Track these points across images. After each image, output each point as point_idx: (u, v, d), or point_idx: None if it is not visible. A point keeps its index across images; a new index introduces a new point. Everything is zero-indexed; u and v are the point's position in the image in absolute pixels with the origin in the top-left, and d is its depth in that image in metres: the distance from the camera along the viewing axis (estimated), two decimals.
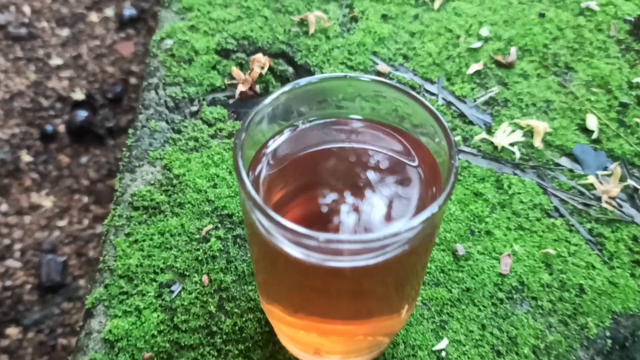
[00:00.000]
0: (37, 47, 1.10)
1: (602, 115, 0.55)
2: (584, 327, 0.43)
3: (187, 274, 0.44)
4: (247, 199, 0.30)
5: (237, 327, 0.42)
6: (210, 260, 0.45)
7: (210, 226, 0.46)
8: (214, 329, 0.42)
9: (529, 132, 0.53)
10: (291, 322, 0.37)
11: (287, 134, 0.36)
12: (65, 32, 1.12)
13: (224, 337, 0.41)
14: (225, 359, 0.40)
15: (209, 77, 0.57)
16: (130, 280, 0.44)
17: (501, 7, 0.63)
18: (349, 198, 0.35)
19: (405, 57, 0.59)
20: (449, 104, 0.55)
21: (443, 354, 0.41)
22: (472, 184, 0.49)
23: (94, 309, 0.43)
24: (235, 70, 0.57)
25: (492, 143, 0.52)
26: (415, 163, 0.35)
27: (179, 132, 0.53)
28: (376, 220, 0.33)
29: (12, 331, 0.89)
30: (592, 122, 0.54)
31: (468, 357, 0.41)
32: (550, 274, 0.45)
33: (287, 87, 0.34)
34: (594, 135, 0.53)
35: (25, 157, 1.02)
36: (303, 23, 0.61)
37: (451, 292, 0.44)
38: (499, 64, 0.58)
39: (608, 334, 0.43)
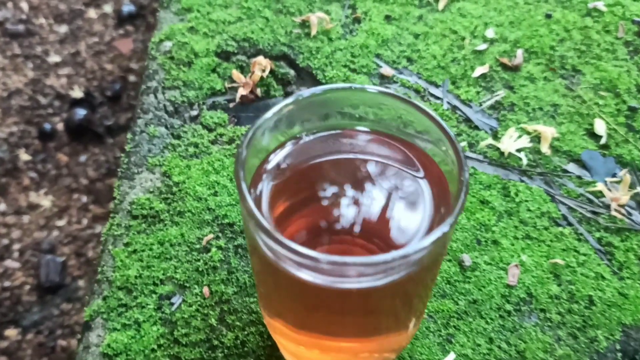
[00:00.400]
0: (35, 44, 1.09)
1: (610, 120, 0.54)
2: (593, 340, 0.42)
3: (188, 285, 0.43)
4: (250, 218, 0.29)
5: (239, 341, 0.41)
6: (211, 271, 0.44)
7: (211, 236, 0.45)
8: (215, 342, 0.41)
9: (536, 138, 0.52)
10: (294, 337, 0.36)
11: (289, 146, 0.35)
12: (63, 29, 1.11)
13: (226, 351, 0.40)
14: None
15: (208, 81, 0.55)
16: (129, 292, 0.43)
17: (507, 8, 0.62)
18: (354, 213, 0.34)
19: (409, 59, 0.57)
20: (454, 108, 0.54)
21: None
22: (479, 191, 0.48)
23: (92, 322, 0.42)
24: (236, 73, 0.55)
25: (498, 149, 0.51)
26: (422, 175, 0.34)
27: (178, 137, 0.52)
28: (384, 236, 0.32)
29: (11, 332, 0.89)
30: (600, 127, 0.53)
31: None
32: (559, 285, 0.44)
33: (290, 99, 0.33)
34: (602, 141, 0.52)
35: (24, 156, 1.01)
36: (305, 24, 0.60)
37: (458, 304, 0.43)
38: (504, 67, 0.57)
39: (618, 347, 0.42)
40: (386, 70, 0.56)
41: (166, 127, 0.52)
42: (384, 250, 0.34)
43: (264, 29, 0.59)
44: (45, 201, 0.99)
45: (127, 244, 0.45)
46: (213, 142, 0.51)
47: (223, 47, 0.58)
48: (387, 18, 0.60)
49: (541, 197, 0.48)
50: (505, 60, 0.57)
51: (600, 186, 0.49)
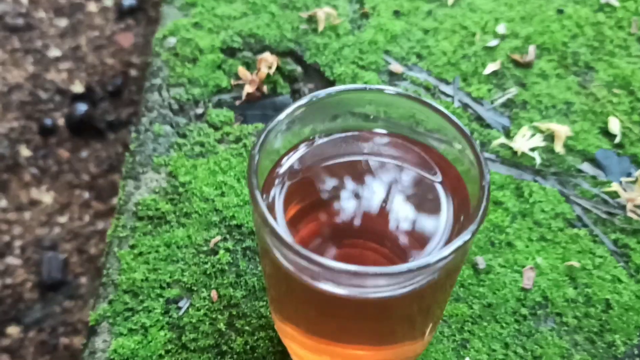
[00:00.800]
0: (35, 38, 1.08)
1: (624, 118, 0.53)
2: (611, 345, 0.41)
3: (195, 289, 0.42)
4: (264, 226, 0.27)
5: (248, 347, 0.40)
6: (219, 274, 0.43)
7: (219, 237, 0.44)
8: (224, 348, 0.40)
9: (549, 137, 0.51)
10: (306, 344, 0.35)
11: (303, 148, 0.34)
12: (63, 23, 1.09)
13: (235, 357, 0.39)
14: None
15: (214, 78, 0.54)
16: (136, 295, 0.42)
17: (517, 3, 0.61)
18: (368, 216, 0.33)
19: (419, 56, 0.56)
20: (465, 106, 0.53)
21: None
22: (492, 191, 0.47)
23: (98, 326, 0.41)
24: (242, 70, 0.54)
25: (510, 148, 0.50)
26: (439, 179, 0.33)
27: (184, 136, 0.50)
28: (398, 241, 0.31)
29: (13, 330, 0.88)
30: (614, 125, 0.52)
31: None
32: (575, 288, 0.43)
33: (303, 100, 0.32)
34: (617, 140, 0.51)
35: (25, 152, 1.00)
36: (312, 20, 0.58)
37: (472, 308, 0.42)
38: (516, 63, 0.56)
39: (636, 351, 0.41)
40: (395, 67, 0.55)
41: (171, 126, 0.51)
42: (398, 254, 0.33)
43: (270, 24, 0.58)
44: (47, 197, 0.98)
45: (132, 246, 0.44)
46: (219, 141, 0.50)
47: (228, 43, 0.57)
48: (396, 13, 0.59)
49: (555, 198, 0.47)
50: (516, 56, 0.56)
51: (615, 186, 0.48)
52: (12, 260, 0.93)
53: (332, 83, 0.54)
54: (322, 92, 0.32)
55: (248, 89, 0.54)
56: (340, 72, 0.55)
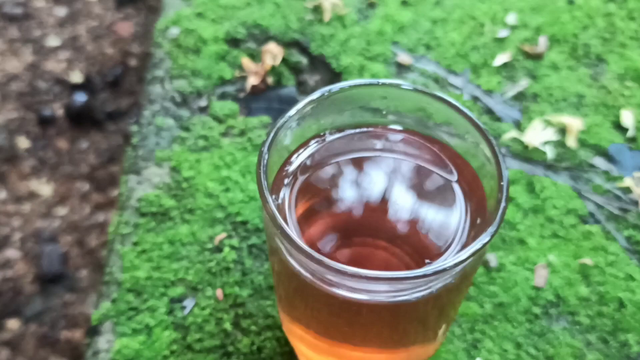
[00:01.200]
0: (34, 27, 1.06)
1: (637, 112, 0.51)
2: (624, 344, 0.40)
3: (200, 287, 0.41)
4: (274, 227, 0.26)
5: (255, 347, 0.39)
6: (224, 273, 0.42)
7: (224, 234, 0.43)
8: (230, 349, 0.39)
9: (561, 130, 0.50)
10: (315, 345, 0.34)
11: (313, 145, 0.33)
12: (62, 12, 1.08)
13: (242, 357, 0.39)
14: None
15: (217, 69, 0.53)
16: (139, 294, 0.41)
17: None
18: (382, 216, 0.32)
19: (427, 47, 0.55)
20: (475, 99, 0.52)
21: None
22: None
23: (101, 326, 0.40)
24: (246, 62, 0.53)
25: (522, 142, 0.49)
26: (455, 177, 0.32)
27: (187, 129, 0.49)
28: (415, 242, 0.30)
29: (14, 324, 0.87)
30: (627, 118, 0.51)
31: None
32: (588, 286, 0.42)
33: (314, 96, 0.31)
34: (630, 133, 0.50)
35: (23, 143, 0.99)
36: (317, 10, 0.57)
37: (483, 307, 0.41)
38: (527, 55, 0.55)
39: None
40: (403, 58, 0.54)
41: (174, 119, 0.50)
42: (410, 254, 0.32)
43: (275, 14, 0.57)
44: (46, 189, 0.97)
45: (135, 243, 0.43)
46: (223, 135, 0.49)
47: (232, 34, 0.55)
48: (404, 3, 0.58)
49: (567, 194, 0.46)
50: (527, 47, 0.55)
51: (627, 181, 0.47)
52: (11, 253, 0.92)
53: (338, 75, 0.53)
54: (334, 87, 0.31)
55: (252, 81, 0.52)
56: (346, 63, 0.53)
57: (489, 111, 0.51)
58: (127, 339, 0.39)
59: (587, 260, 0.43)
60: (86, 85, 1.03)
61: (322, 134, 0.33)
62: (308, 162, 0.32)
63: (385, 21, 0.56)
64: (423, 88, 0.31)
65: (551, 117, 0.50)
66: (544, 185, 0.47)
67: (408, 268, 0.31)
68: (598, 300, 0.42)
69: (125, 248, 0.43)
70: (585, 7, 0.58)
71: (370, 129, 0.33)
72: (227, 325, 0.40)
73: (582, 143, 0.49)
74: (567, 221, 0.45)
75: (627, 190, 0.47)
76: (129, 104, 1.02)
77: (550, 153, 0.49)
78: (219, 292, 0.41)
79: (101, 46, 1.07)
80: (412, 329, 0.31)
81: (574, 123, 0.49)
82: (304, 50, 0.55)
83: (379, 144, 0.33)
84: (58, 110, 1.02)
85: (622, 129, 0.51)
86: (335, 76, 0.53)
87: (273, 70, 0.53)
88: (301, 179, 0.32)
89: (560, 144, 0.49)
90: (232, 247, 0.43)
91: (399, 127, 0.33)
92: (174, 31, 0.56)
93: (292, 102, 0.52)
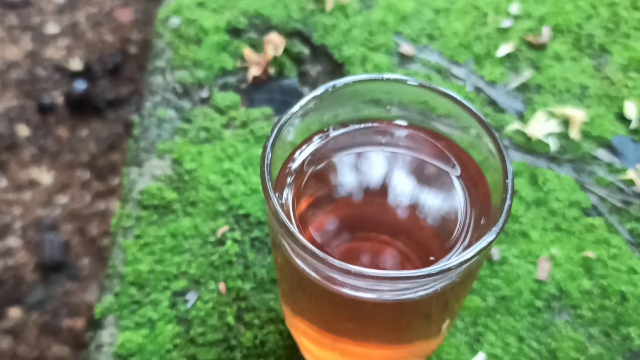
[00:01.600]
0: (32, 14, 1.05)
1: None
2: (626, 338, 0.40)
3: (203, 281, 0.41)
4: (278, 226, 0.26)
5: (258, 341, 0.39)
6: (226, 266, 0.42)
7: (226, 227, 0.43)
8: (233, 342, 0.39)
9: (564, 122, 0.50)
10: (318, 339, 0.34)
11: (316, 140, 0.32)
12: None
13: (245, 351, 0.39)
14: None
15: (219, 60, 0.53)
16: (142, 287, 0.41)
17: None
18: (385, 211, 0.32)
19: (430, 37, 0.55)
20: (478, 90, 0.51)
21: None
22: None
23: (104, 320, 0.40)
24: (248, 52, 0.53)
25: (525, 134, 0.49)
26: (458, 172, 0.32)
27: (189, 121, 0.49)
28: (418, 238, 0.30)
29: (15, 312, 0.87)
30: (630, 110, 0.51)
31: None
32: (590, 280, 0.42)
33: (318, 91, 0.30)
34: (633, 125, 0.50)
35: (23, 131, 0.99)
36: None
37: (486, 300, 0.41)
38: (530, 45, 0.54)
39: None
40: (406, 48, 0.53)
41: (176, 110, 0.50)
42: (414, 249, 0.32)
43: (276, 4, 0.56)
44: (47, 177, 0.97)
45: (138, 236, 0.43)
46: (225, 126, 0.49)
47: (233, 24, 0.55)
48: None
49: (570, 186, 0.46)
50: (530, 37, 0.54)
51: (630, 174, 0.47)
52: (13, 242, 0.92)
53: (340, 66, 0.53)
54: (338, 82, 0.31)
55: (254, 71, 0.52)
56: (349, 54, 0.53)
57: (492, 102, 0.51)
58: (130, 333, 0.39)
59: (590, 254, 0.43)
60: (86, 73, 1.02)
61: (325, 129, 0.32)
62: (311, 158, 0.32)
63: (387, 10, 0.56)
64: (427, 83, 0.31)
65: (554, 109, 0.50)
66: (546, 177, 0.47)
67: (412, 264, 0.30)
68: (600, 293, 0.42)
69: (127, 241, 0.43)
70: None
71: (374, 124, 0.33)
72: (230, 319, 0.40)
73: (585, 135, 0.49)
74: (570, 214, 0.45)
75: (630, 182, 0.47)
76: (129, 91, 1.02)
77: (553, 145, 0.48)
78: (222, 286, 0.41)
79: (101, 33, 1.06)
80: (416, 325, 0.31)
81: (577, 115, 0.49)
82: (306, 40, 0.54)
83: (382, 139, 0.33)
84: (58, 98, 1.01)
85: (626, 121, 0.50)
86: (337, 67, 0.53)
87: (275, 60, 0.53)
88: (304, 174, 0.32)
89: (563, 136, 0.49)
90: (235, 240, 0.43)
91: (402, 122, 0.33)
92: (175, 21, 0.55)
93: (294, 93, 0.51)
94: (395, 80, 0.31)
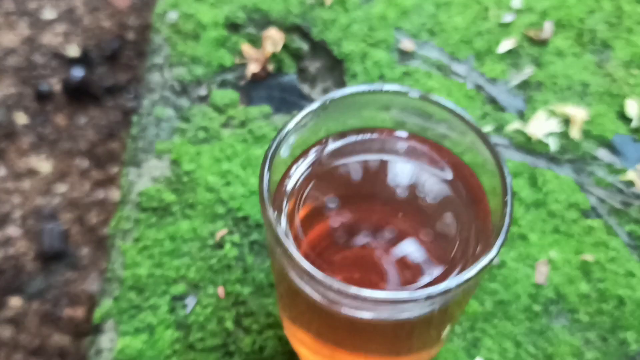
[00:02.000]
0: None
1: None
2: (622, 342, 0.40)
3: (202, 285, 0.41)
4: (277, 245, 0.26)
5: (256, 346, 0.39)
6: (225, 270, 0.42)
7: (225, 230, 0.43)
8: (232, 348, 0.39)
9: (565, 121, 0.49)
10: (316, 349, 0.35)
11: (314, 152, 0.32)
12: None
13: (243, 356, 0.39)
14: None
15: (217, 56, 0.52)
16: (141, 292, 0.41)
17: None
18: (383, 223, 0.32)
19: (430, 32, 0.54)
20: (479, 87, 0.51)
21: None
22: None
23: (104, 324, 0.40)
24: (246, 48, 0.52)
25: (525, 133, 0.49)
26: (457, 183, 0.32)
27: (187, 120, 0.49)
28: (419, 254, 0.30)
29: (16, 301, 0.88)
30: (631, 108, 0.50)
31: None
32: (588, 283, 0.42)
33: (314, 106, 0.30)
34: (634, 124, 0.50)
35: (21, 119, 0.98)
36: None
37: (483, 305, 0.41)
38: (532, 41, 0.54)
39: None
40: (406, 44, 0.53)
41: (174, 109, 0.49)
42: (412, 263, 0.32)
43: None
44: (45, 165, 0.96)
45: (136, 240, 0.43)
46: (224, 126, 0.49)
47: (231, 19, 0.54)
48: None
49: (569, 187, 0.46)
50: (532, 33, 0.54)
51: (630, 174, 0.47)
52: (12, 231, 0.92)
53: (339, 62, 0.52)
54: (335, 95, 0.30)
55: (253, 68, 0.52)
56: (348, 50, 0.52)
57: (493, 100, 0.50)
58: (129, 338, 0.39)
59: (588, 257, 0.43)
60: (83, 60, 1.01)
61: (323, 140, 0.32)
62: (309, 170, 0.32)
63: (388, 5, 0.55)
64: (425, 94, 0.31)
65: (555, 107, 0.50)
66: (546, 178, 0.46)
67: (410, 278, 0.30)
68: (598, 297, 0.42)
69: (126, 244, 0.43)
70: None
71: (373, 135, 0.33)
72: (229, 324, 0.40)
73: (586, 134, 0.49)
74: (569, 216, 0.45)
75: (630, 183, 0.47)
76: (127, 79, 1.01)
77: (553, 145, 0.48)
78: (221, 290, 0.41)
79: (98, 19, 1.05)
80: (415, 339, 0.31)
81: (578, 114, 0.49)
82: (305, 35, 0.54)
83: (381, 150, 0.33)
84: (56, 85, 1.01)
85: (627, 119, 0.50)
86: (336, 63, 0.52)
87: (274, 57, 0.52)
88: (303, 186, 0.31)
89: (563, 135, 0.49)
90: (234, 244, 0.43)
91: (401, 132, 0.33)
92: (173, 15, 0.55)
93: (292, 90, 0.51)
94: (393, 92, 0.30)
